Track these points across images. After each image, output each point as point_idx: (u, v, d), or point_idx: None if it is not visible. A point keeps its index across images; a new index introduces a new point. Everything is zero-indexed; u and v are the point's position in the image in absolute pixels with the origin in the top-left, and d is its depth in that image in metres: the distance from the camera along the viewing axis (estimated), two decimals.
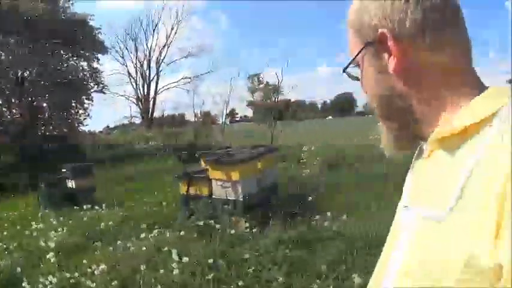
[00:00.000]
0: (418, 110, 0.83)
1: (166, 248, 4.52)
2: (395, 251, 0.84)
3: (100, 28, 23.36)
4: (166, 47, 43.57)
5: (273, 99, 21.45)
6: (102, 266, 4.19)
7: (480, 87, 0.80)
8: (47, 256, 4.97)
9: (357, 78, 0.92)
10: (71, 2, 21.32)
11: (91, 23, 22.18)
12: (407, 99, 0.83)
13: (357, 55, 0.87)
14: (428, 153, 0.82)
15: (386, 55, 0.82)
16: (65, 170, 9.66)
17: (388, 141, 0.92)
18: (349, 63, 0.90)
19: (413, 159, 0.95)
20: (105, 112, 68.19)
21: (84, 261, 4.66)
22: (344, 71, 0.92)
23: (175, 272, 3.97)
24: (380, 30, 0.81)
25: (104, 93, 24.45)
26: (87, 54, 22.08)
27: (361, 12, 0.86)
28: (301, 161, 10.08)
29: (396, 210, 0.94)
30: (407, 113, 0.84)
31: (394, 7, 0.80)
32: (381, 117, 0.91)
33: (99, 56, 23.67)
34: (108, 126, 39.35)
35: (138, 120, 39.86)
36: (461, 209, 0.69)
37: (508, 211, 0.62)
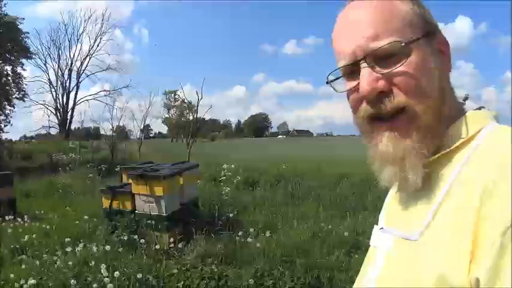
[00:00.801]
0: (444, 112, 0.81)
1: (93, 263, 4.38)
2: (371, 270, 0.88)
3: (28, 33, 22.14)
4: (88, 57, 42.28)
5: (189, 117, 21.36)
6: (32, 281, 3.97)
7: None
8: None
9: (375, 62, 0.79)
10: (3, 2, 19.88)
11: (19, 26, 20.88)
12: (445, 100, 0.82)
13: (417, 39, 0.79)
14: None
15: (435, 53, 0.82)
16: None
17: (408, 161, 0.77)
18: (413, 40, 0.78)
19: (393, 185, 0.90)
20: (21, 120, 63.43)
21: (12, 275, 4.38)
22: (407, 43, 0.77)
23: (110, 286, 3.85)
24: (441, 33, 0.86)
25: (23, 100, 23.04)
26: (12, 58, 20.60)
27: (418, 7, 0.84)
28: (221, 178, 10.18)
29: (372, 234, 0.95)
30: (443, 113, 0.81)
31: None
32: (423, 115, 0.77)
33: (23, 61, 22.36)
34: (25, 136, 36.80)
35: (54, 131, 38.01)
36: (435, 228, 0.71)
37: (485, 232, 0.63)
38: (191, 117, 20.55)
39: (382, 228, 0.91)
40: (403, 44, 0.77)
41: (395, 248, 0.81)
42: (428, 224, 0.73)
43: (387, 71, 0.77)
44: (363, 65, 0.79)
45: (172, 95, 63.95)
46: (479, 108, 0.85)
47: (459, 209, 0.68)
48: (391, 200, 0.96)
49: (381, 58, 0.78)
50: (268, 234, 5.86)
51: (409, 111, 0.77)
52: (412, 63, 0.77)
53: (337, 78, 0.88)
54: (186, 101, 19.84)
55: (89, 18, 42.80)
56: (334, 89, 0.89)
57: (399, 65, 0.77)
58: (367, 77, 0.78)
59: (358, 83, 0.80)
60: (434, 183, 0.76)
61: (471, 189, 0.67)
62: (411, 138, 0.77)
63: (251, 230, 5.98)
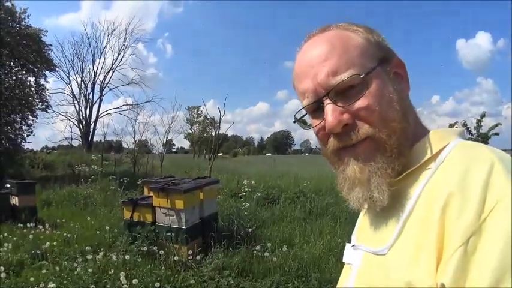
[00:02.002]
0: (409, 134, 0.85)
1: (112, 271, 4.53)
2: (345, 286, 0.92)
3: (51, 45, 22.76)
4: (111, 71, 43.12)
5: (212, 133, 21.52)
6: (52, 285, 4.12)
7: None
8: None
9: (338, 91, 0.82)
10: (27, 14, 20.40)
11: (43, 38, 21.51)
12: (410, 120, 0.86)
13: (374, 68, 0.83)
14: None
15: (393, 77, 0.87)
16: (9, 186, 9.27)
17: (372, 182, 0.82)
18: (372, 70, 0.83)
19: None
20: (43, 131, 64.87)
21: (32, 278, 4.56)
22: (365, 75, 0.82)
23: None
24: (396, 56, 0.91)
25: (47, 111, 23.62)
26: (35, 70, 21.21)
27: (372, 36, 0.89)
28: (241, 194, 10.28)
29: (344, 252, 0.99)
30: (408, 132, 0.84)
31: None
32: (390, 134, 0.81)
33: (46, 73, 22.93)
34: (46, 146, 37.73)
35: (76, 143, 38.82)
36: (402, 241, 0.76)
37: (449, 240, 0.66)
38: (213, 133, 20.74)
39: (353, 245, 0.95)
40: (362, 76, 0.81)
41: (366, 263, 0.86)
42: (396, 239, 0.77)
43: (349, 104, 0.81)
44: (326, 101, 0.82)
45: (195, 110, 64.70)
46: (452, 126, 0.92)
47: (424, 221, 0.72)
48: (362, 219, 1.02)
49: (342, 91, 0.82)
50: (285, 248, 5.93)
51: (374, 138, 0.81)
52: (371, 92, 0.81)
53: (303, 116, 0.93)
54: (208, 117, 20.01)
55: (112, 32, 43.64)
56: (302, 126, 0.94)
57: (360, 96, 0.81)
58: (332, 112, 0.81)
59: (323, 119, 0.84)
60: (401, 201, 0.80)
61: (434, 202, 0.71)
62: (375, 160, 0.81)
63: (269, 244, 6.06)
